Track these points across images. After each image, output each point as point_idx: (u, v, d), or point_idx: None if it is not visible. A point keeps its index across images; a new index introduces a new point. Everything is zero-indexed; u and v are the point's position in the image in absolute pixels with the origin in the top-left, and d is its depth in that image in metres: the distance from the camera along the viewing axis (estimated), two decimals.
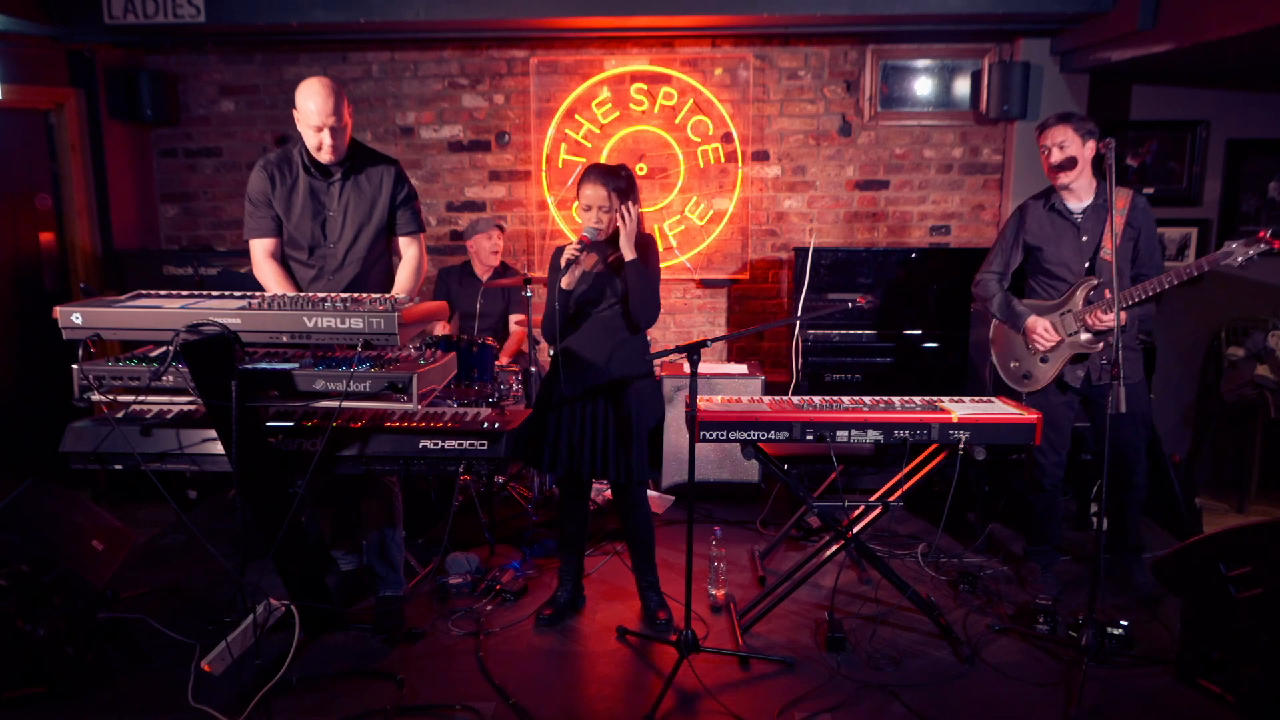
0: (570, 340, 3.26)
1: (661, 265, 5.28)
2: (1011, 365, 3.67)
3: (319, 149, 3.18)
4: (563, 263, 3.14)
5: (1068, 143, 3.35)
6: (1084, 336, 3.43)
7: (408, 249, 3.41)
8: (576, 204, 3.24)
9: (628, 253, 3.15)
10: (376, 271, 3.39)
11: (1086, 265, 3.46)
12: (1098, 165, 3.41)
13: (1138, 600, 3.57)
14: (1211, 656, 2.95)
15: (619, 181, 3.16)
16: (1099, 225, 3.43)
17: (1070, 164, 3.37)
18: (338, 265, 3.31)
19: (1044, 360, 3.55)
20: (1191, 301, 5.07)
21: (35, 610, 2.88)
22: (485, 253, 4.74)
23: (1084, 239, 3.45)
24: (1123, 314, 3.26)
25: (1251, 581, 2.80)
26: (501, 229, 4.84)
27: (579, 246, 3.11)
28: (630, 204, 3.16)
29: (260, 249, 3.30)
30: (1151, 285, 3.26)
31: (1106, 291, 3.37)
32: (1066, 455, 3.65)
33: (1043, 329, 3.48)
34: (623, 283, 3.20)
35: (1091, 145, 3.36)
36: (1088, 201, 3.45)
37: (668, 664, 3.06)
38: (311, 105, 3.09)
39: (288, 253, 3.34)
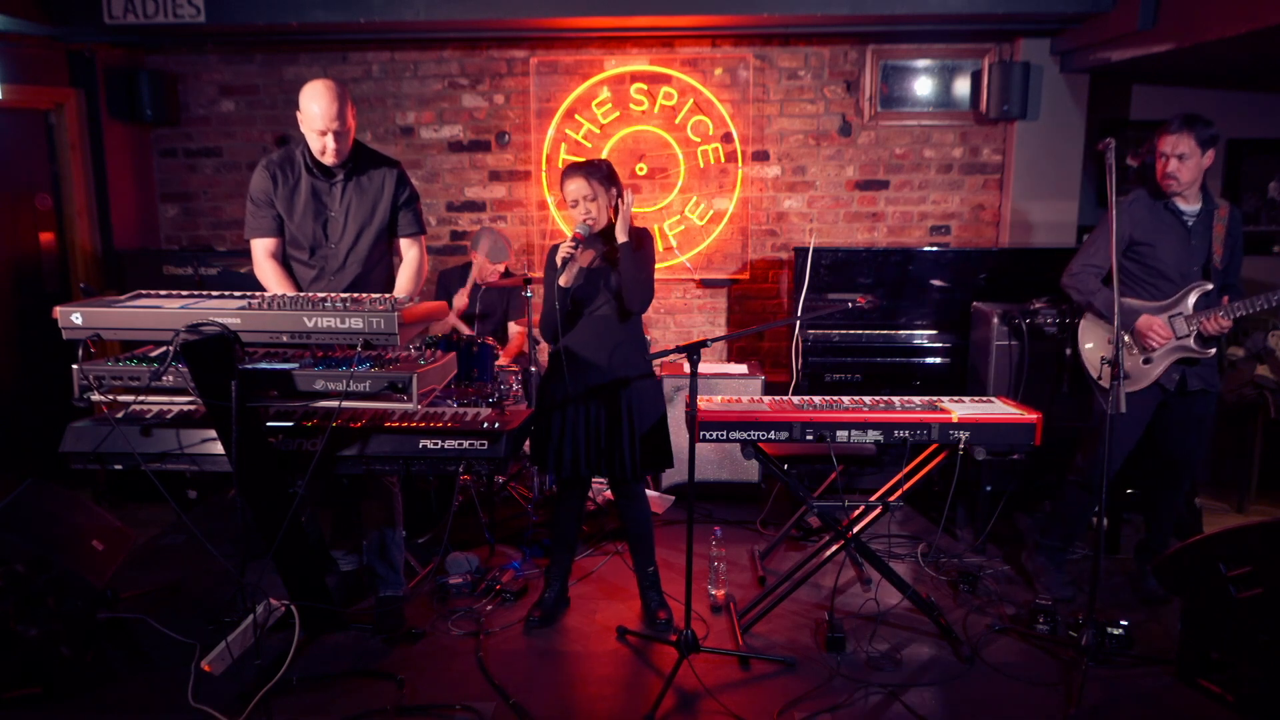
0: (571, 339, 3.26)
1: (662, 265, 5.33)
2: (1101, 362, 3.58)
3: (322, 152, 3.18)
4: (559, 260, 3.14)
5: (1188, 154, 3.31)
6: (1193, 341, 3.38)
7: (409, 250, 3.41)
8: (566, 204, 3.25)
9: (621, 235, 3.17)
10: (378, 272, 3.39)
11: (1197, 269, 3.42)
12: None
13: (1145, 601, 3.57)
14: (1211, 656, 2.95)
15: (598, 172, 3.18)
16: (1209, 230, 3.40)
17: (1186, 173, 3.32)
18: (339, 266, 3.31)
19: (1147, 361, 3.45)
20: None
21: (29, 611, 2.87)
22: (486, 272, 4.70)
23: (1194, 242, 3.41)
24: (1229, 321, 3.29)
25: (1251, 581, 2.80)
26: (505, 262, 4.74)
27: (574, 244, 3.12)
28: (627, 192, 3.20)
29: (261, 249, 3.30)
30: (1275, 296, 3.22)
31: (1225, 299, 3.35)
32: (1126, 458, 3.58)
33: (1159, 327, 3.38)
34: (617, 273, 3.21)
35: (1210, 155, 3.32)
36: (1197, 206, 3.42)
37: (668, 664, 3.06)
38: (315, 109, 3.09)
39: (289, 253, 3.35)
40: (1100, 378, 3.54)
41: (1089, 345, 3.62)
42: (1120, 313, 3.47)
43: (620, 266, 3.19)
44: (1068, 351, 3.71)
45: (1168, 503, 3.64)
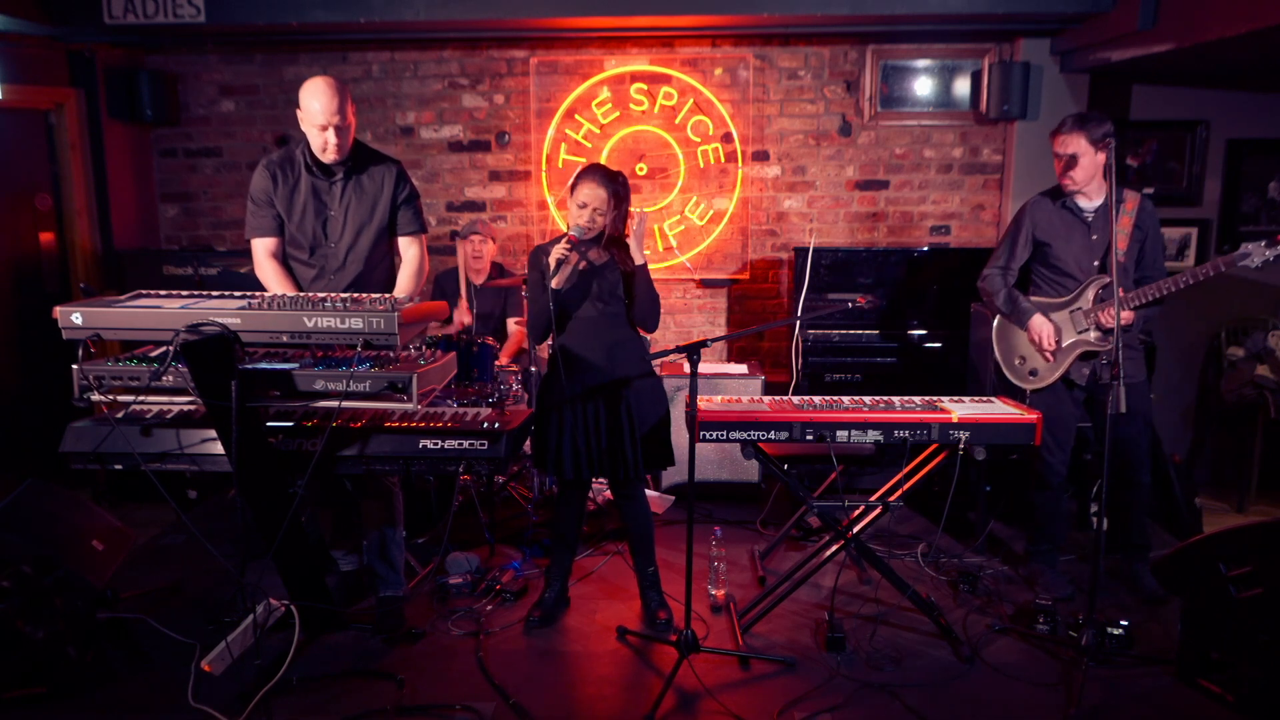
0: (569, 340, 3.27)
1: (662, 265, 5.34)
2: (1016, 362, 3.67)
3: (323, 149, 3.18)
4: (552, 262, 3.14)
5: (1081, 154, 3.36)
6: (1093, 335, 3.44)
7: (409, 249, 3.40)
8: (570, 201, 3.24)
9: (638, 257, 3.19)
10: (379, 272, 3.38)
11: (1097, 264, 3.46)
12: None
13: (1145, 600, 3.57)
14: (1211, 656, 2.95)
15: (618, 187, 3.19)
16: (1109, 225, 3.42)
17: (1080, 172, 3.38)
18: (339, 265, 3.31)
19: (1050, 357, 3.55)
20: (1192, 301, 5.05)
21: (36, 612, 2.88)
22: (469, 258, 4.63)
23: (1094, 237, 3.46)
24: (1130, 313, 3.28)
25: (1251, 581, 2.80)
26: (480, 234, 4.67)
27: (568, 245, 3.12)
28: (641, 214, 3.23)
29: (261, 248, 3.30)
30: (1165, 285, 3.27)
31: (1120, 290, 3.35)
32: (1070, 453, 3.65)
33: (1047, 333, 3.47)
34: (614, 283, 3.23)
35: (1104, 154, 3.35)
36: (1098, 201, 3.46)
37: (668, 664, 3.06)
38: (316, 105, 3.09)
39: (289, 252, 3.34)
40: (1018, 379, 3.66)
41: (1002, 347, 3.74)
42: (1017, 311, 3.54)
43: (636, 292, 3.22)
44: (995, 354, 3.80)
45: (1129, 499, 3.62)
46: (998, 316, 3.74)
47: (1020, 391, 3.65)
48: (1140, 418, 3.50)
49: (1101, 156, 3.35)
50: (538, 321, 3.26)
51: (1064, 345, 3.51)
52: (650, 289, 3.24)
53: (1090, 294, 3.46)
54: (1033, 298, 3.62)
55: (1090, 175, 3.40)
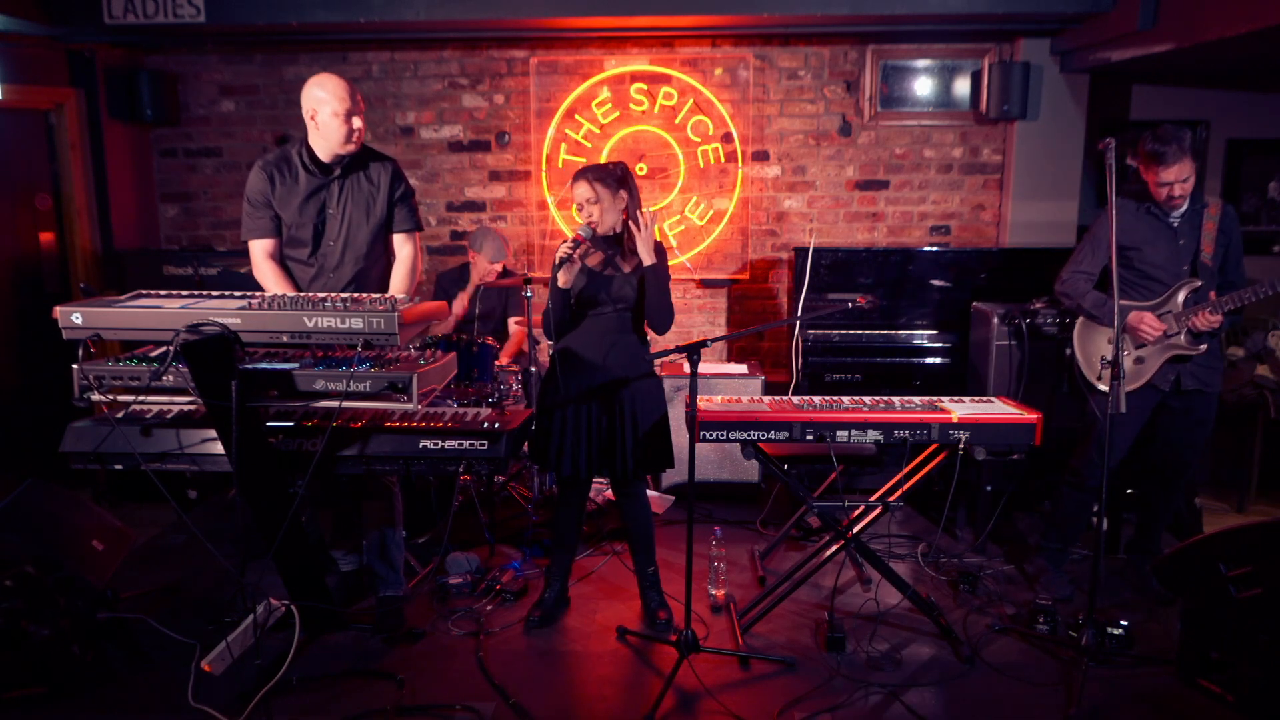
0: (569, 340, 3.27)
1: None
2: (1102, 365, 3.59)
3: (346, 138, 3.18)
4: (556, 260, 3.15)
5: (1191, 178, 3.31)
6: (1184, 338, 3.40)
7: (402, 247, 3.39)
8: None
9: (647, 258, 3.18)
10: (377, 270, 3.39)
11: (1186, 268, 3.43)
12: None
13: (1155, 601, 3.57)
14: (1211, 656, 2.95)
15: (608, 177, 3.19)
16: (1195, 229, 3.41)
17: (1189, 186, 3.33)
18: (337, 264, 3.31)
19: (1139, 361, 3.48)
20: None
21: (40, 611, 2.88)
22: (485, 271, 4.69)
23: (1181, 242, 3.43)
24: (1219, 317, 3.29)
25: (1251, 581, 2.80)
26: (505, 261, 4.73)
27: (571, 244, 3.13)
28: (642, 210, 3.20)
29: (259, 250, 3.30)
30: (1261, 289, 3.23)
31: (1212, 294, 3.38)
32: (1120, 461, 3.60)
33: (1150, 320, 3.41)
34: (631, 285, 3.22)
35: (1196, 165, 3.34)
36: (1184, 206, 3.42)
37: (668, 664, 3.06)
38: (338, 92, 3.12)
39: (287, 253, 3.34)
40: (1099, 379, 3.57)
41: (1085, 348, 3.65)
42: (1109, 312, 3.51)
43: (647, 290, 3.21)
44: (1068, 352, 3.73)
45: (1164, 503, 3.65)
46: (1079, 320, 3.66)
47: (1103, 395, 3.59)
48: (1205, 429, 3.50)
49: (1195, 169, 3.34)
50: (548, 319, 3.26)
51: (1154, 347, 3.45)
52: (660, 289, 3.22)
53: (1180, 297, 3.41)
54: (1121, 301, 3.56)
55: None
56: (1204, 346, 3.39)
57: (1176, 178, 3.30)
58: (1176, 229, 3.44)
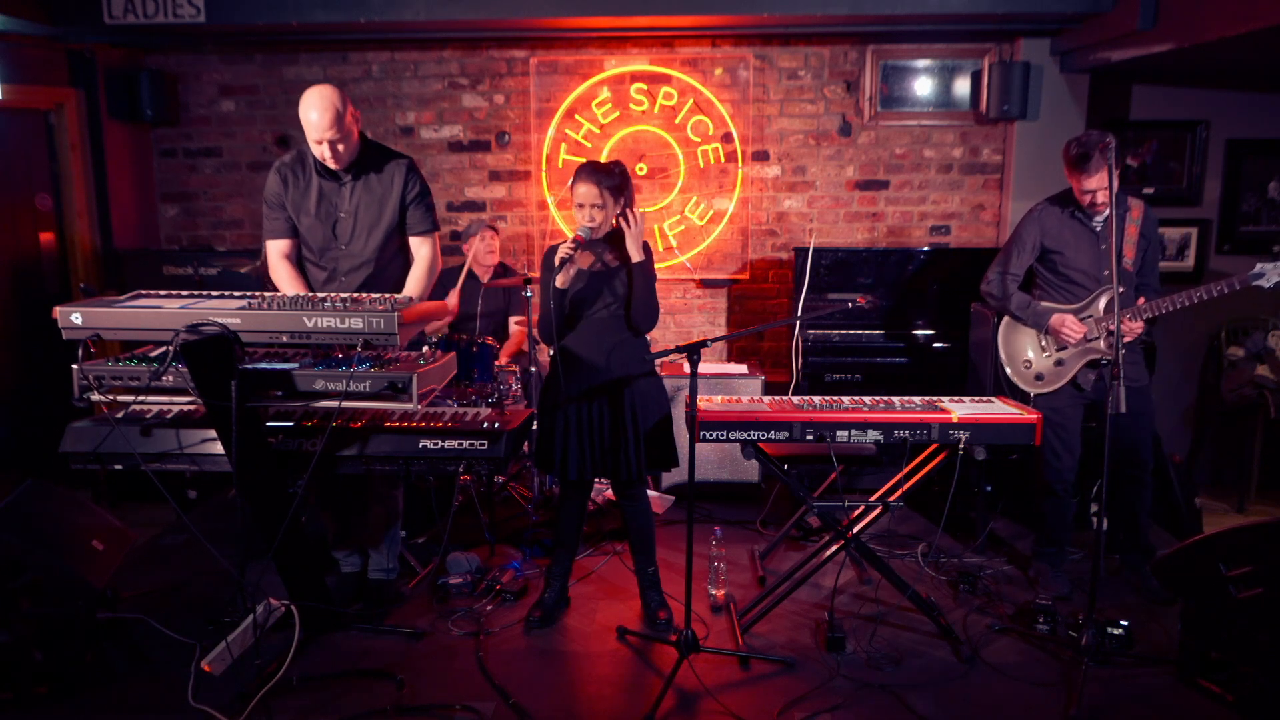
0: (569, 340, 3.26)
1: (662, 265, 5.33)
2: (1023, 365, 3.67)
3: (323, 160, 3.17)
4: (556, 261, 3.14)
5: (1111, 184, 3.33)
6: (1103, 342, 3.44)
7: (420, 249, 3.35)
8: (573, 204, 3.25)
9: (635, 254, 3.16)
10: (390, 271, 3.35)
11: (1107, 273, 3.45)
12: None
13: (1154, 602, 3.57)
14: (1211, 656, 2.95)
15: (611, 179, 3.17)
16: (1118, 233, 3.43)
17: (1108, 194, 3.35)
18: (350, 267, 3.29)
19: (1059, 363, 3.56)
20: None
21: (2, 615, 2.85)
22: (482, 254, 4.71)
23: (1103, 246, 3.46)
24: (1141, 324, 3.34)
25: (1251, 581, 2.80)
26: (494, 230, 4.81)
27: (573, 245, 3.12)
28: (633, 208, 3.19)
29: (275, 250, 3.30)
30: (1179, 299, 3.30)
31: (1141, 300, 3.43)
32: (1078, 459, 3.65)
33: (1073, 323, 3.47)
34: (624, 284, 3.20)
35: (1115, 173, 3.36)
36: (1107, 211, 3.45)
37: (668, 664, 3.06)
38: (313, 116, 3.07)
39: (303, 254, 3.33)
40: (1019, 380, 3.68)
41: (1008, 348, 3.74)
42: (1035, 314, 3.56)
43: (634, 288, 3.19)
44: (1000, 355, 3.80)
45: (1137, 499, 3.64)
46: (1003, 319, 3.75)
47: (1024, 395, 3.65)
48: (1146, 419, 3.52)
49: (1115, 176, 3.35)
50: (545, 321, 3.24)
51: (1073, 350, 3.52)
52: (646, 288, 3.19)
53: (1102, 302, 3.47)
54: (1043, 303, 3.62)
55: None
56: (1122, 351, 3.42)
57: (1098, 185, 3.35)
58: (1099, 233, 3.49)
